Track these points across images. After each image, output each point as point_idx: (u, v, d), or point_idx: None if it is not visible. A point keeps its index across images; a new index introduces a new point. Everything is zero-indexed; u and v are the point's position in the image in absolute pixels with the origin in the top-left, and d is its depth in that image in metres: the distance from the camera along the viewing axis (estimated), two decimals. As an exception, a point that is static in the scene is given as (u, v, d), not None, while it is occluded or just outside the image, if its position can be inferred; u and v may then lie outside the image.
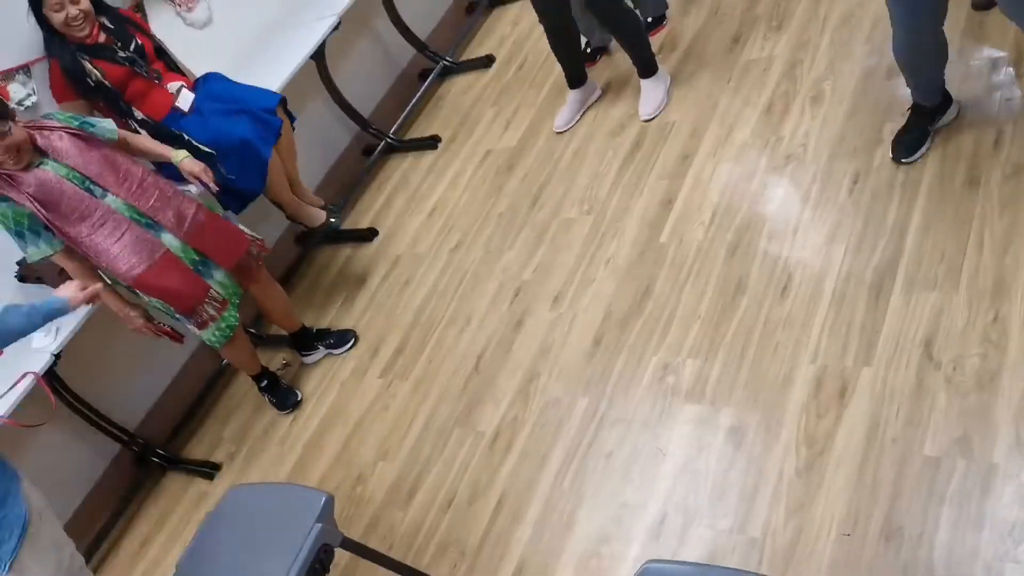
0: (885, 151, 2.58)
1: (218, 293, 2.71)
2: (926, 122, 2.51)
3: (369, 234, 3.60)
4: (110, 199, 2.51)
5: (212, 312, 2.71)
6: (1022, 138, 2.38)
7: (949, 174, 2.41)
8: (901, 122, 2.60)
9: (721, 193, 2.81)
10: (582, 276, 2.85)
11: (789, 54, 3.13)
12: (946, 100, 2.52)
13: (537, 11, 3.24)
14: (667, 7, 3.61)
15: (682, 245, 2.74)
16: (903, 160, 2.51)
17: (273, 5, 3.71)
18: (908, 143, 2.52)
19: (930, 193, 2.40)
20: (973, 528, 1.74)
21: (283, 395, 3.08)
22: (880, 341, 2.14)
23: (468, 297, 3.06)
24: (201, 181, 2.72)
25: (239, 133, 2.92)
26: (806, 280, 2.40)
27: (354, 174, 3.91)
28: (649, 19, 3.54)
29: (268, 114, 3.00)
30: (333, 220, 3.30)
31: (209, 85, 3.08)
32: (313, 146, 3.80)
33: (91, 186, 2.48)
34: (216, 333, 2.75)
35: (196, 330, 2.76)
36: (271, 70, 3.35)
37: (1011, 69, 2.58)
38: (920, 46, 2.37)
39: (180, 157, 2.72)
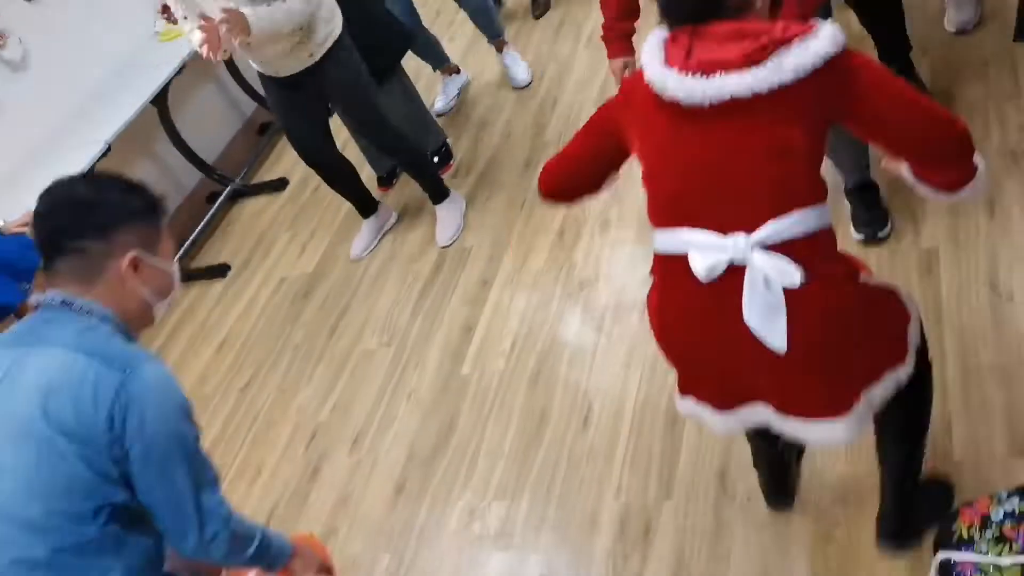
0: (671, 275, 2.67)
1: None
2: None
3: (148, 375, 3.24)
4: None
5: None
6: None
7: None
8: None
9: (520, 320, 2.78)
10: (383, 413, 2.69)
11: (578, 180, 3.22)
12: None
13: (299, 154, 3.15)
14: (446, 137, 3.58)
15: (484, 376, 2.66)
16: None
17: (35, 133, 3.39)
18: None
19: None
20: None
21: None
22: (678, 472, 2.14)
23: (260, 443, 2.79)
24: None
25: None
26: (606, 409, 2.38)
27: (133, 306, 3.57)
28: (435, 158, 3.49)
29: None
30: None
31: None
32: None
33: None
34: None
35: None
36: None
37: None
38: None
39: None
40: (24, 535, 1.30)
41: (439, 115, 3.78)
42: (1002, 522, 1.37)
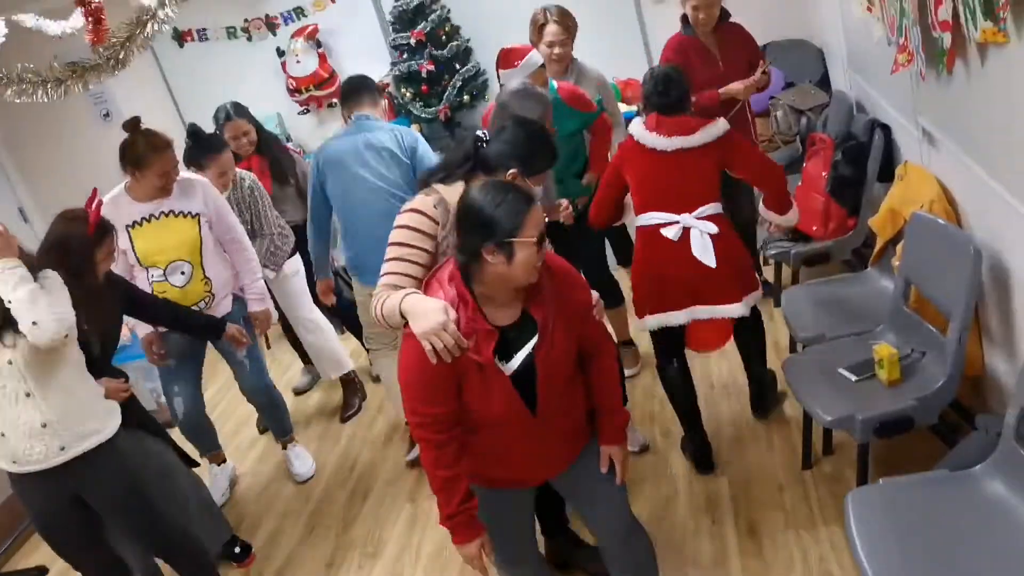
0: None
1: None
2: None
3: None
4: None
5: None
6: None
7: None
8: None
9: None
10: None
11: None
12: None
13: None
14: (232, 531, 3.45)
15: None
16: None
17: None
18: None
19: None
20: None
21: None
22: None
23: None
24: None
25: None
26: None
27: None
28: (237, 548, 3.41)
29: None
30: None
31: None
32: None
33: None
34: None
35: None
36: None
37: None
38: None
39: None
40: (389, 187, 3.39)
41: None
42: None
